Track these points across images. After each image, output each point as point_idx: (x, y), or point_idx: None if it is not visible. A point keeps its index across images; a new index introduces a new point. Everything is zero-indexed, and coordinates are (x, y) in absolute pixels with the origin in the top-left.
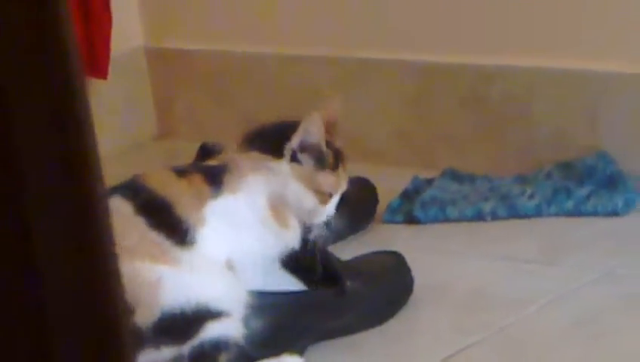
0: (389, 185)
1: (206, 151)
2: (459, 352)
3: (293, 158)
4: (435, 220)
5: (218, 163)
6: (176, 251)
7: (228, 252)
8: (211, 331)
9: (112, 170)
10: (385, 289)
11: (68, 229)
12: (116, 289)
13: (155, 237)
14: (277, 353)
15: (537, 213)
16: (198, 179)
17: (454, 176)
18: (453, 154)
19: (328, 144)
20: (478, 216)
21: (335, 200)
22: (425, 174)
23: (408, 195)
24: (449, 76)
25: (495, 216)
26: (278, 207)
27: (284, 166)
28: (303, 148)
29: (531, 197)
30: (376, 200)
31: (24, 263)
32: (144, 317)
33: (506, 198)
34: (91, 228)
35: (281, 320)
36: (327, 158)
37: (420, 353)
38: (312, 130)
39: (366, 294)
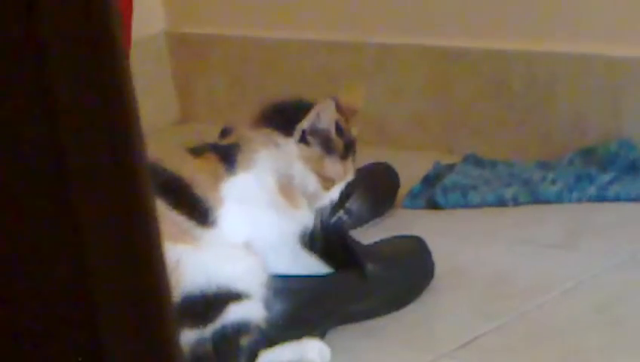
0: (411, 171)
1: (227, 136)
2: (479, 337)
3: (302, 139)
4: (457, 206)
5: (231, 141)
6: (196, 231)
7: (246, 232)
8: (233, 314)
9: None
10: (406, 274)
11: (115, 212)
12: (162, 278)
13: (175, 218)
14: (297, 336)
15: (559, 198)
16: (212, 158)
17: (476, 161)
18: (474, 139)
19: (342, 132)
20: (500, 202)
21: (338, 188)
22: (446, 160)
23: (429, 181)
24: (470, 61)
25: (517, 202)
26: (286, 186)
27: (291, 145)
28: (313, 131)
29: (553, 183)
30: (398, 185)
31: (73, 254)
32: None
33: (528, 184)
34: (138, 215)
35: (302, 304)
36: (337, 145)
37: (439, 337)
38: (323, 115)
39: (387, 278)
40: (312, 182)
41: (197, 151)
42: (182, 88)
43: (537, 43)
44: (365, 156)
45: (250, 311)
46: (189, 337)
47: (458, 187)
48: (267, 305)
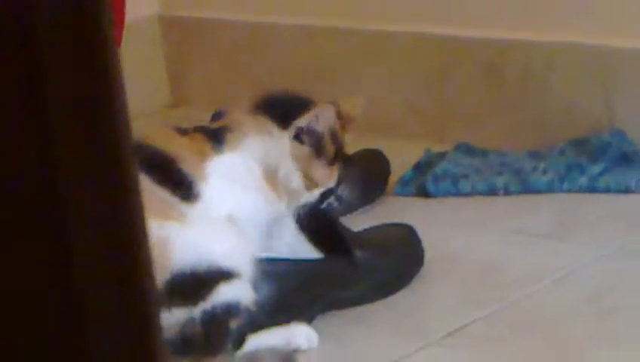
0: (402, 158)
1: (219, 119)
2: (468, 325)
3: (297, 137)
4: (447, 194)
5: (222, 124)
6: (182, 206)
7: (228, 207)
8: (223, 294)
9: None
10: (395, 261)
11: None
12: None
13: (161, 194)
14: (285, 321)
15: (550, 188)
16: (199, 137)
17: (467, 150)
18: (466, 128)
19: (336, 138)
20: (491, 191)
21: (319, 191)
22: (438, 148)
23: (420, 168)
24: (464, 50)
25: (508, 191)
26: (271, 175)
27: (284, 138)
28: (309, 131)
29: (544, 172)
30: (389, 172)
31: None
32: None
33: (519, 173)
34: (121, 191)
35: (290, 288)
36: (328, 150)
37: (428, 325)
38: (322, 118)
39: (376, 265)
40: (296, 180)
41: (184, 131)
42: (174, 71)
43: (532, 32)
44: (357, 142)
45: (240, 291)
46: (177, 317)
47: (449, 175)
48: (255, 288)
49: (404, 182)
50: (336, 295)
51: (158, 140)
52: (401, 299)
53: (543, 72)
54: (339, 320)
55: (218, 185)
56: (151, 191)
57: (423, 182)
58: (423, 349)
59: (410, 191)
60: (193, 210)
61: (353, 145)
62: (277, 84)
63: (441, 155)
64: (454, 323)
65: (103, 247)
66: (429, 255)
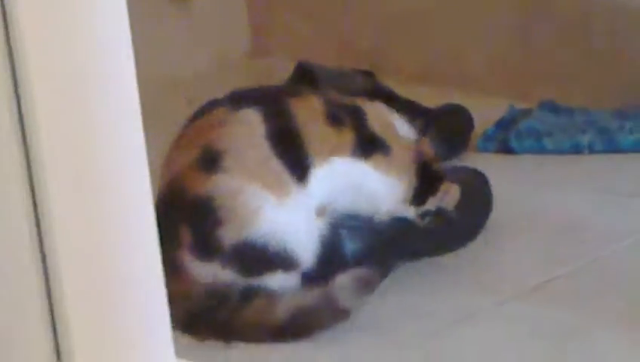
0: (485, 114)
1: (302, 71)
2: (549, 281)
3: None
4: (530, 151)
5: (374, 125)
6: (290, 186)
7: (327, 201)
8: (276, 281)
9: (207, 88)
10: (472, 210)
11: None
12: None
13: (275, 166)
14: (368, 272)
15: (636, 148)
16: (348, 131)
17: (552, 107)
18: (552, 86)
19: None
20: (575, 149)
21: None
22: (521, 105)
23: (504, 125)
24: (553, 7)
25: (592, 150)
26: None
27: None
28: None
29: (631, 132)
30: (472, 127)
31: None
32: (229, 234)
33: (605, 132)
34: None
35: (372, 239)
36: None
37: (509, 280)
38: (447, 199)
39: (454, 215)
40: (398, 183)
41: (336, 117)
42: (256, 21)
43: None
44: (440, 97)
45: (290, 281)
46: (225, 277)
47: (533, 132)
48: (348, 238)
49: (486, 138)
50: (416, 246)
51: (301, 114)
52: (482, 254)
53: (630, 29)
54: (421, 270)
55: (330, 179)
56: (267, 160)
57: (506, 138)
58: (502, 304)
59: (493, 148)
60: (297, 194)
61: (437, 99)
62: (359, 35)
63: (526, 112)
64: (535, 280)
65: None
66: (511, 211)
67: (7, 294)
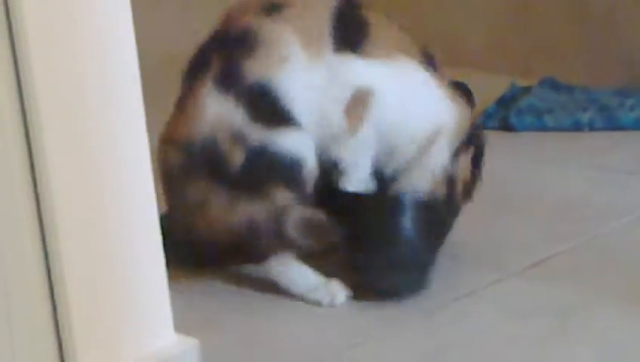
0: (486, 91)
1: None
2: (550, 258)
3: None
4: (531, 128)
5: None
6: (325, 54)
7: (365, 91)
8: (283, 140)
9: None
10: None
11: None
12: None
13: (324, 35)
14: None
15: (636, 125)
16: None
17: (553, 85)
18: (552, 63)
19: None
20: (576, 126)
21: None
22: (522, 82)
23: (505, 102)
24: None
25: (593, 127)
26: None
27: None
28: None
29: (632, 109)
30: (473, 104)
31: None
32: (252, 68)
33: (605, 109)
34: None
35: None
36: None
37: (510, 257)
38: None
39: None
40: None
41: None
42: None
43: None
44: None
45: (294, 145)
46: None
47: (533, 110)
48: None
49: (487, 116)
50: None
51: (375, 21)
52: (483, 232)
53: (631, 7)
54: None
55: (382, 74)
56: (324, 30)
57: (507, 115)
58: (502, 281)
59: (494, 125)
60: (332, 67)
61: None
62: None
63: (526, 90)
64: (535, 256)
65: None
66: (511, 188)
67: (6, 266)
